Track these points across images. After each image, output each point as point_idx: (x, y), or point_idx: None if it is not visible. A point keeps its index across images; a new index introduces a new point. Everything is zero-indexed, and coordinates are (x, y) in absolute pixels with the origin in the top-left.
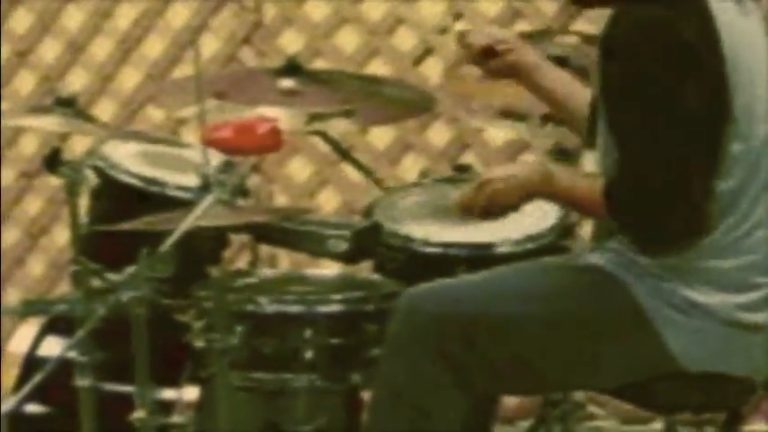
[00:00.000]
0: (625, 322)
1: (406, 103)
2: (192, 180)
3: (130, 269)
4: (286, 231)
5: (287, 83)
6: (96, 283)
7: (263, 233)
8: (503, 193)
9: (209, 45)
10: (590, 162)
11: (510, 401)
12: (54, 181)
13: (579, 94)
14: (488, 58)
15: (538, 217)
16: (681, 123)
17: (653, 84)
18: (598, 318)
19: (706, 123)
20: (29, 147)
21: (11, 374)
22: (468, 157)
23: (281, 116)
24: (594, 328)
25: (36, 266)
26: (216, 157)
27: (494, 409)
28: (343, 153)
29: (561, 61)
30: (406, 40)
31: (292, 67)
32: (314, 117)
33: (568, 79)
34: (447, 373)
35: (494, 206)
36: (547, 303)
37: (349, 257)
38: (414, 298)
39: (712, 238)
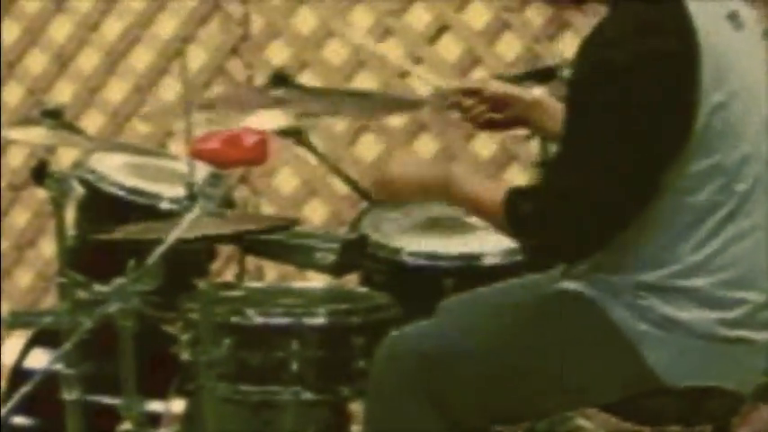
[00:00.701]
0: (603, 343)
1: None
2: (178, 192)
3: (117, 281)
4: (273, 243)
5: (275, 92)
6: (83, 295)
7: (250, 245)
8: (399, 186)
9: (197, 57)
10: None
11: None
12: (41, 193)
13: None
14: (494, 109)
15: None
16: (619, 147)
17: (602, 99)
18: (576, 342)
19: (653, 146)
20: (16, 159)
21: None
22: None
23: (269, 116)
24: (574, 352)
25: (23, 278)
26: (203, 169)
27: None
28: (331, 165)
29: (549, 72)
30: (393, 51)
31: (279, 79)
32: (302, 115)
33: None
34: (434, 414)
35: (389, 195)
36: (525, 333)
37: (336, 270)
38: (394, 342)
39: (682, 255)
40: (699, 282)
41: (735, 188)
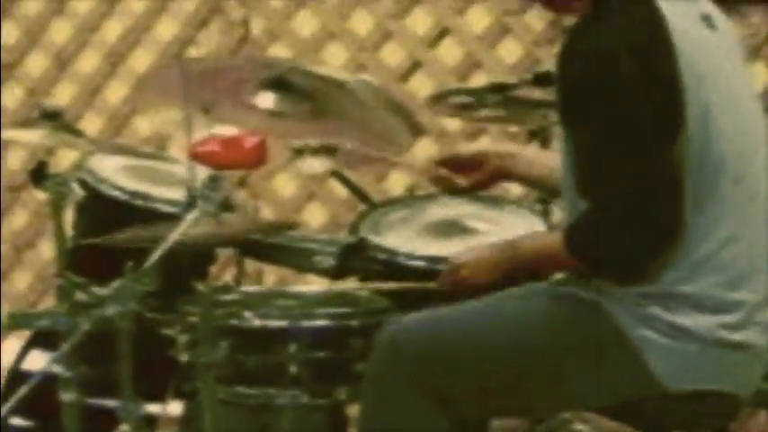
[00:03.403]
0: (607, 347)
1: (389, 139)
2: (178, 194)
3: (116, 283)
4: (272, 247)
5: (267, 102)
6: (81, 296)
7: (249, 248)
8: (472, 278)
9: None
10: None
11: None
12: (40, 195)
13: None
14: (471, 171)
15: (524, 230)
16: (635, 150)
17: (603, 112)
18: (580, 343)
19: (660, 145)
20: (15, 160)
21: None
22: None
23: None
24: (577, 353)
25: (21, 280)
26: (202, 172)
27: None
28: (330, 168)
29: (549, 77)
30: (393, 54)
31: (278, 82)
32: (296, 152)
33: (543, 156)
34: (434, 408)
35: (468, 290)
36: (528, 331)
37: (335, 273)
38: (394, 335)
39: (675, 262)
40: (695, 287)
41: (717, 189)
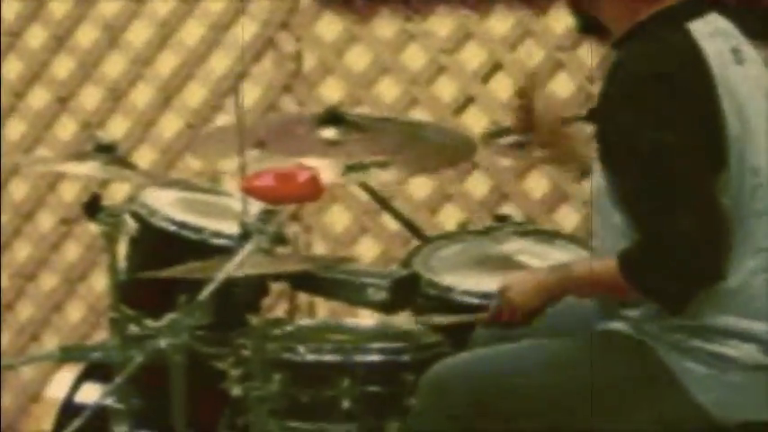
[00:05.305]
0: (652, 381)
1: (445, 151)
2: (231, 227)
3: (169, 316)
4: (324, 280)
5: (328, 133)
6: (134, 329)
7: (302, 282)
8: (519, 300)
9: (250, 93)
10: None
11: None
12: (93, 227)
13: None
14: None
15: None
16: (681, 176)
17: (649, 140)
18: (624, 380)
19: (704, 173)
20: (68, 193)
21: (48, 421)
22: (507, 208)
23: (321, 168)
24: (621, 389)
25: (74, 313)
26: (255, 206)
27: None
28: (383, 202)
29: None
30: (446, 89)
31: (333, 117)
32: (350, 168)
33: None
34: None
35: (515, 316)
36: (571, 370)
37: (387, 307)
38: (438, 375)
39: (710, 294)
40: (731, 316)
41: (745, 221)
